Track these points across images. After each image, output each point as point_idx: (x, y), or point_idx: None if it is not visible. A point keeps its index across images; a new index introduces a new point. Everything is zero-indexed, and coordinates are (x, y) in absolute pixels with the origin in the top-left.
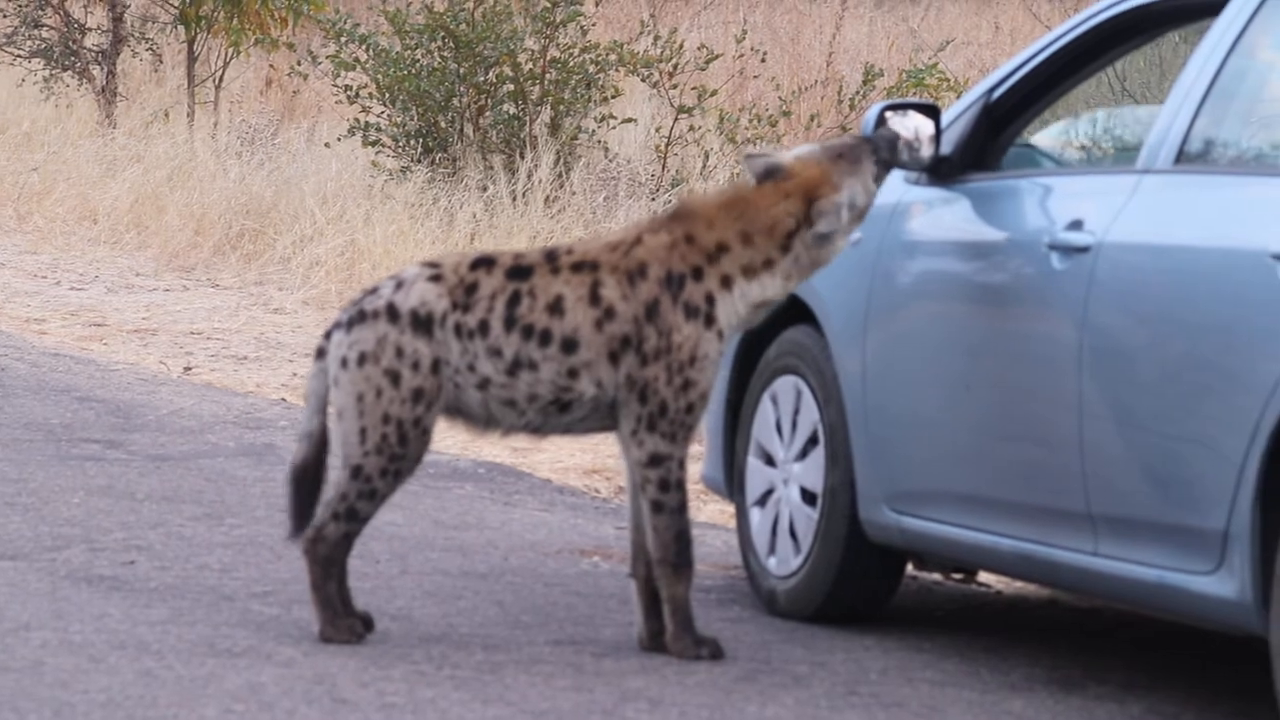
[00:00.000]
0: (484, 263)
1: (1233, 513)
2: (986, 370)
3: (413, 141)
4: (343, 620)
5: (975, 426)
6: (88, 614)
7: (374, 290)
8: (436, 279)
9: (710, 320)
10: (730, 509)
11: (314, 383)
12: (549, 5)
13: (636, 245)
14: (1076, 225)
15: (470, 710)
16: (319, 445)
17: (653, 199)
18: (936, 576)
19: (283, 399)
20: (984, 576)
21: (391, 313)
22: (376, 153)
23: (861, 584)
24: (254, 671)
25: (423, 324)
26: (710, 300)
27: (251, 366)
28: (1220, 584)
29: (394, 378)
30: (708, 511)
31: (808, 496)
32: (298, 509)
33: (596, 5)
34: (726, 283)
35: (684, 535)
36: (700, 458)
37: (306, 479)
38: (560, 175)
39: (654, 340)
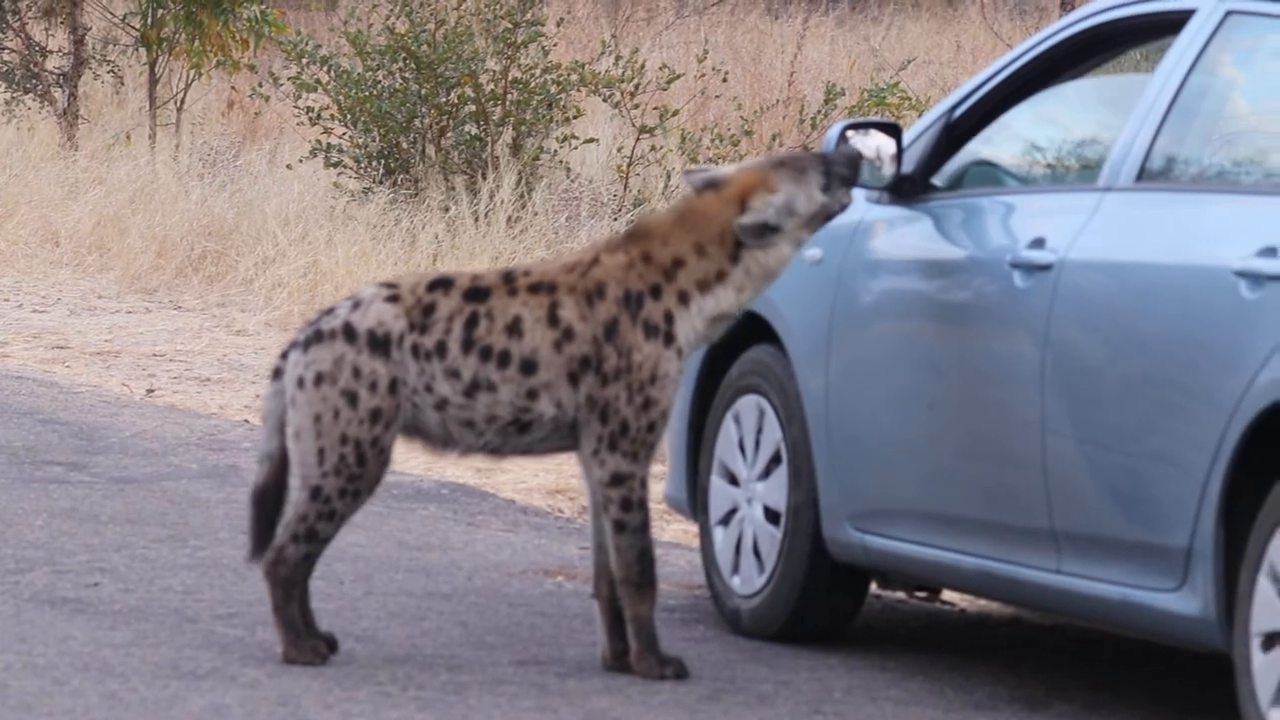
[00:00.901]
0: (441, 284)
1: (1196, 530)
2: (949, 389)
3: (375, 163)
4: (306, 642)
5: (938, 445)
6: (51, 636)
7: (331, 310)
8: (394, 299)
9: (670, 338)
10: (694, 528)
11: (271, 403)
12: (510, 26)
13: (594, 265)
14: (1039, 243)
15: None
16: (279, 467)
17: (615, 219)
18: (900, 595)
19: (246, 420)
20: (948, 595)
21: (349, 333)
22: (338, 174)
23: (825, 603)
24: (218, 693)
25: (380, 344)
26: (669, 318)
27: (214, 388)
28: (1184, 601)
29: (351, 398)
30: (671, 531)
31: (771, 515)
32: (258, 531)
33: (558, 26)
34: (684, 299)
35: (647, 554)
36: (663, 477)
37: (268, 501)
38: (522, 196)
39: (614, 360)
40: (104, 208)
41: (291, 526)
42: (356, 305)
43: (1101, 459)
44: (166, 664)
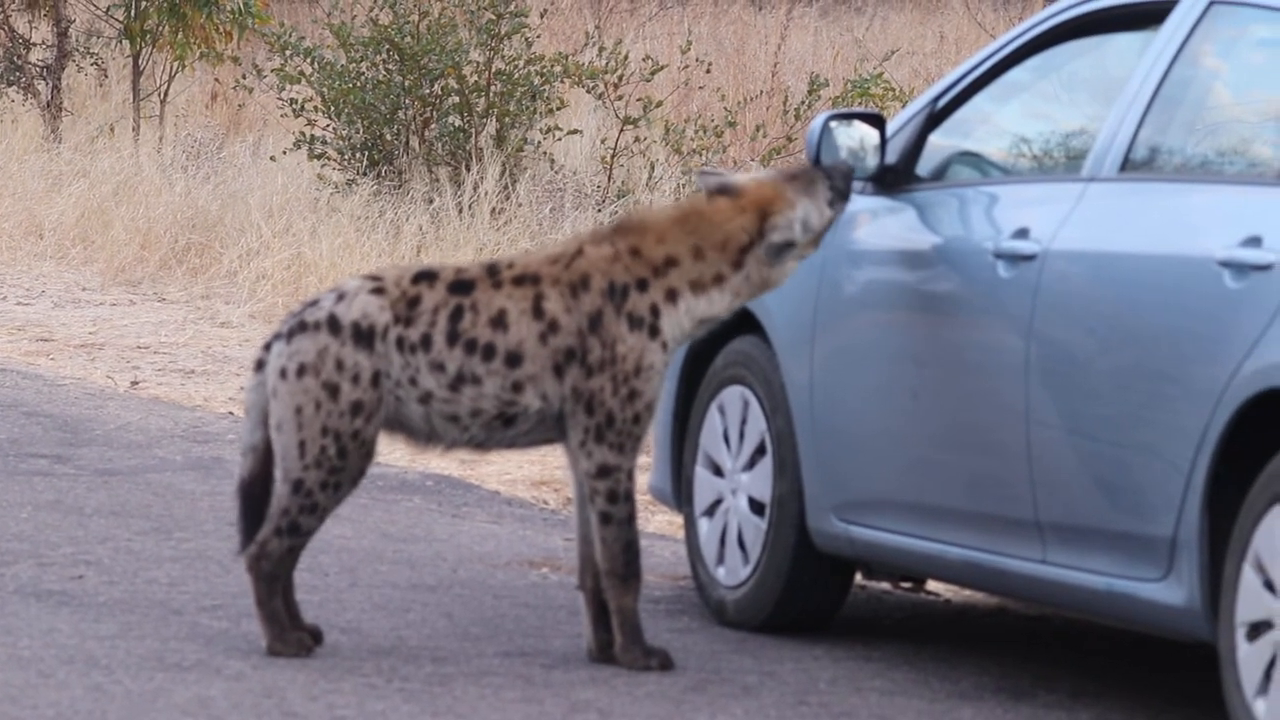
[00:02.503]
0: (426, 276)
1: (1181, 520)
2: (933, 379)
3: (358, 154)
4: (290, 634)
5: (923, 435)
6: (36, 629)
7: (314, 302)
8: (379, 291)
9: (655, 331)
10: (678, 519)
11: (254, 395)
12: (494, 17)
13: (578, 257)
14: (1022, 234)
15: None
16: (263, 459)
17: (599, 210)
18: (885, 585)
19: (230, 413)
20: (932, 585)
21: (333, 324)
22: (322, 166)
23: (810, 593)
24: (203, 685)
25: (364, 336)
26: (655, 311)
27: (199, 380)
28: (1169, 591)
29: (333, 390)
30: (656, 522)
31: (756, 506)
32: (246, 524)
33: (541, 17)
34: (672, 296)
35: (632, 546)
36: (648, 468)
37: (254, 493)
38: (506, 187)
39: (598, 351)
40: (88, 200)
41: (274, 520)
42: (341, 297)
43: (1086, 449)
44: (152, 656)
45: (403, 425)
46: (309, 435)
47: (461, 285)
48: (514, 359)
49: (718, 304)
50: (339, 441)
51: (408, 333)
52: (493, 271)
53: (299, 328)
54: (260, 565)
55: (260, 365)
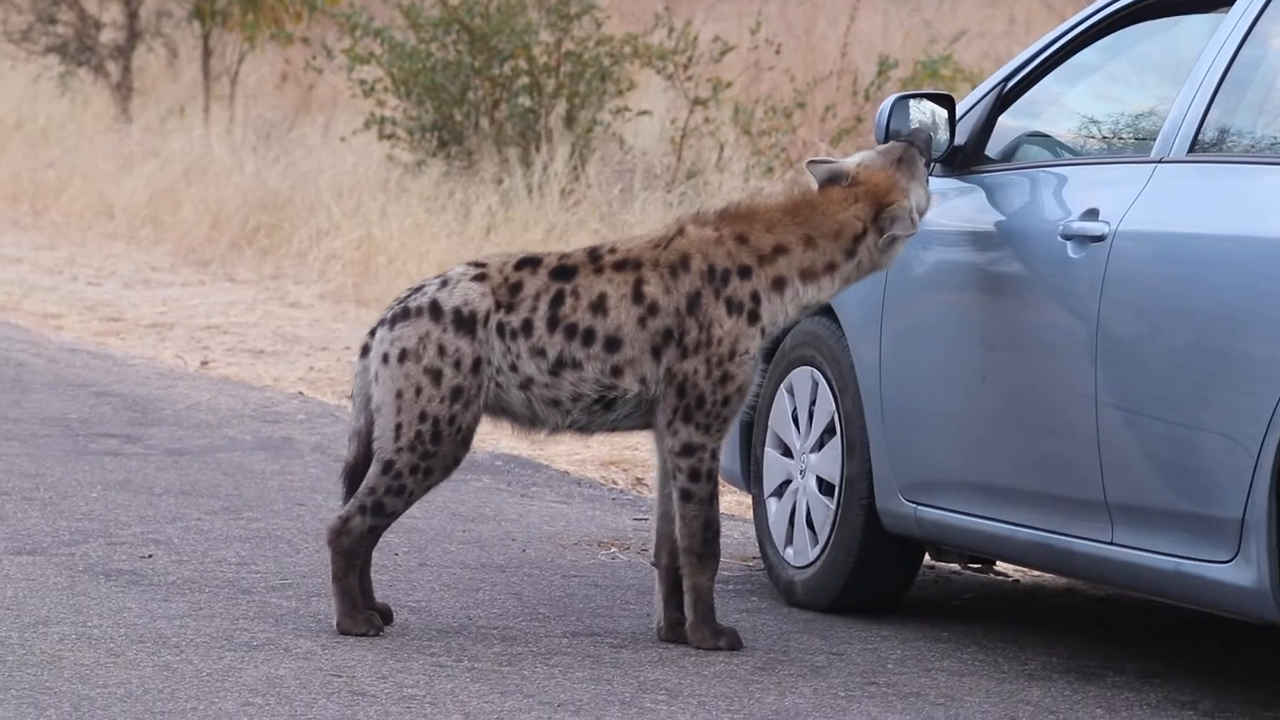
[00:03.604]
0: (529, 262)
1: (1249, 501)
2: (1002, 360)
3: (428, 135)
4: (360, 613)
5: (991, 416)
6: (106, 608)
7: (419, 288)
8: (481, 278)
9: (754, 317)
10: (747, 500)
11: (359, 380)
12: None
13: (679, 237)
14: (1091, 214)
15: (488, 702)
16: (368, 443)
17: (668, 191)
18: (954, 566)
19: (300, 393)
20: (1001, 566)
21: (435, 310)
22: (392, 146)
23: (879, 574)
24: (272, 664)
25: (465, 323)
26: (756, 298)
27: (268, 360)
28: (1237, 572)
29: (435, 375)
30: (725, 503)
31: (825, 487)
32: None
33: None
34: (779, 284)
35: (712, 525)
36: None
37: (358, 477)
38: (575, 168)
39: (694, 333)
40: (158, 181)
41: (360, 498)
42: (444, 283)
43: (1154, 430)
44: (221, 635)
45: (505, 411)
46: (406, 419)
47: (563, 271)
48: (613, 343)
49: (826, 291)
50: (435, 426)
51: (509, 319)
52: (594, 256)
53: (402, 314)
54: (340, 541)
55: (366, 351)
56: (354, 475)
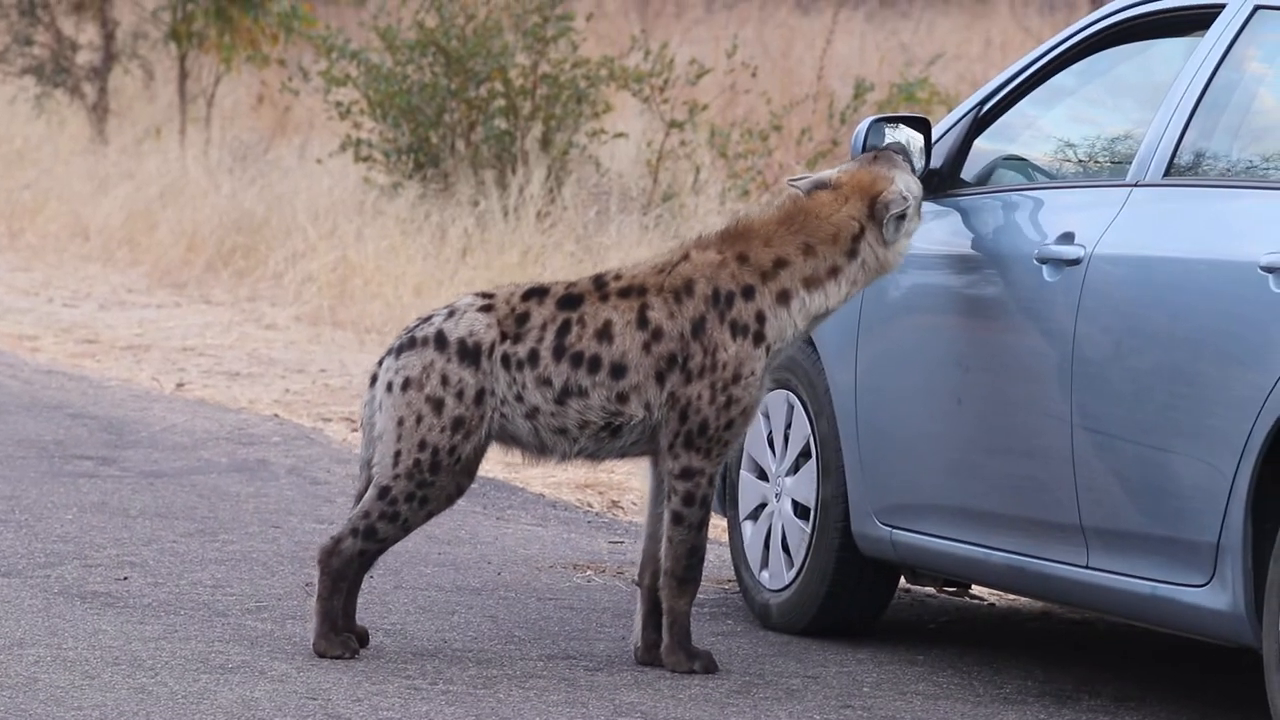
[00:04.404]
0: (536, 293)
1: (1225, 525)
2: (978, 384)
3: (404, 157)
4: (337, 636)
5: (967, 440)
6: (81, 630)
7: (427, 318)
8: (488, 309)
9: (759, 338)
10: (723, 523)
11: (367, 410)
12: (540, 21)
13: (683, 262)
14: (1067, 238)
15: None
16: None
17: (644, 214)
18: (929, 590)
19: (275, 415)
20: (977, 589)
21: (440, 340)
22: (368, 168)
23: (854, 597)
24: (248, 687)
25: (470, 354)
26: (760, 319)
27: (244, 383)
28: (1213, 596)
29: (437, 405)
30: None
31: (800, 510)
32: None
33: (587, 20)
34: (784, 298)
35: (697, 551)
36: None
37: None
38: (551, 190)
39: (699, 357)
40: (134, 202)
41: (354, 521)
42: (451, 314)
43: (1130, 454)
44: (196, 658)
45: (514, 439)
46: (406, 446)
47: (569, 300)
48: (619, 370)
49: (833, 297)
50: (434, 456)
51: (514, 349)
52: (600, 284)
53: (409, 344)
54: (330, 561)
55: (374, 380)
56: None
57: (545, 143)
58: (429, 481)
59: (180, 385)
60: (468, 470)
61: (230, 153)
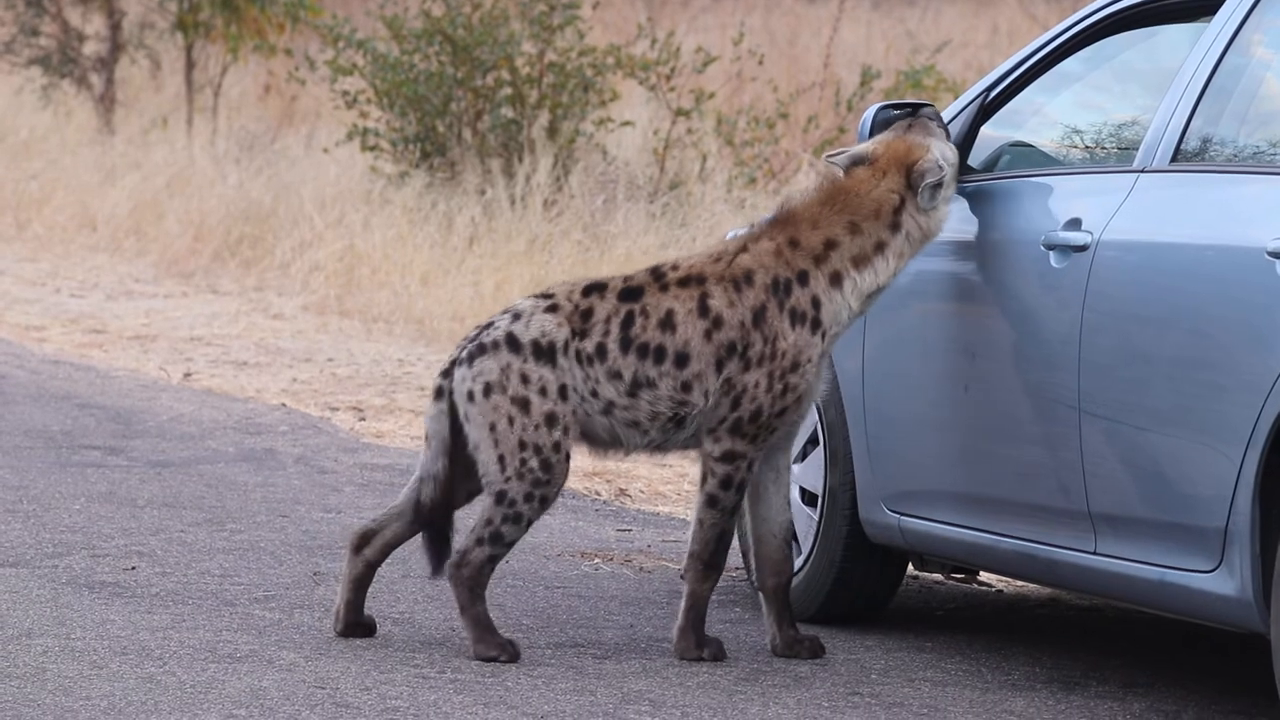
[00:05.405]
0: (596, 288)
1: (1232, 511)
2: (985, 370)
3: (411, 146)
4: (493, 636)
5: (974, 426)
6: (89, 620)
7: (489, 325)
8: (553, 309)
9: (816, 324)
10: None
11: (434, 424)
12: (546, 9)
13: (741, 253)
14: (1074, 224)
15: (472, 713)
16: (445, 487)
17: (651, 202)
18: (937, 576)
19: (283, 404)
20: (985, 576)
21: (512, 342)
22: (375, 158)
23: (862, 584)
24: (256, 676)
25: (545, 353)
26: (816, 304)
27: (251, 372)
28: (1220, 582)
29: (523, 404)
30: None
31: (808, 497)
32: (434, 550)
33: (594, 8)
34: (836, 280)
35: (726, 537)
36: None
37: (436, 520)
38: (558, 179)
39: (759, 346)
40: (141, 192)
41: (477, 530)
42: (517, 316)
43: (1138, 440)
44: (204, 647)
45: (587, 435)
46: (506, 449)
47: (630, 292)
48: (682, 359)
49: (883, 273)
50: (540, 454)
51: (584, 345)
52: (658, 275)
53: (478, 350)
54: (460, 573)
55: (440, 393)
56: (429, 518)
57: (552, 131)
58: (543, 480)
59: (187, 375)
60: (569, 462)
61: (237, 142)
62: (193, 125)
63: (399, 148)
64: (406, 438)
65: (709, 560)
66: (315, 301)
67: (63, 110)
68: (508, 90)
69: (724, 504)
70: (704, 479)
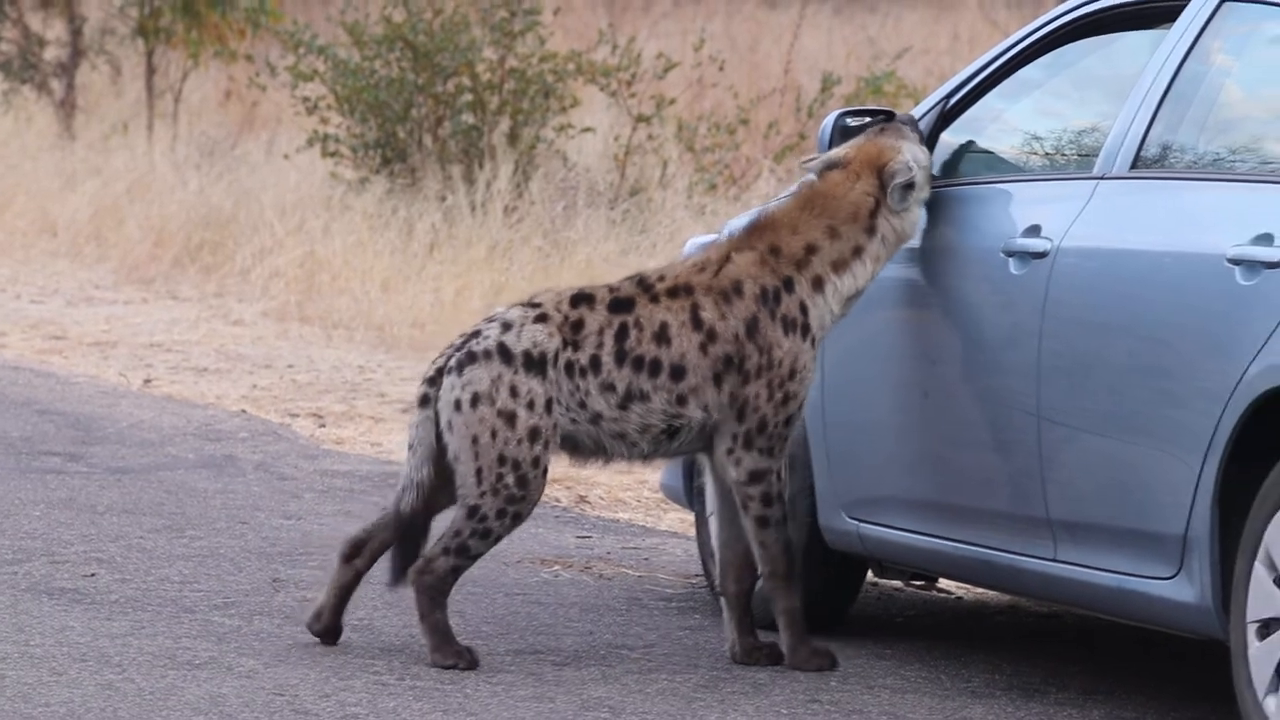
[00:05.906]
0: (584, 299)
1: (1191, 518)
2: (944, 376)
3: (371, 152)
4: (450, 645)
5: (933, 433)
6: (49, 627)
7: (476, 333)
8: (543, 319)
9: (806, 330)
10: (690, 517)
11: (419, 431)
12: (507, 15)
13: (726, 264)
14: (1033, 231)
15: None
16: (427, 496)
17: (611, 208)
18: (897, 583)
19: (243, 410)
20: (944, 583)
21: (504, 353)
22: (335, 164)
23: (821, 591)
24: (215, 683)
25: (536, 364)
26: (804, 309)
27: (211, 378)
28: (1180, 589)
29: (509, 418)
30: (668, 520)
31: None
32: (400, 557)
33: (554, 14)
34: (818, 284)
35: (790, 545)
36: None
37: (414, 529)
38: (519, 185)
39: (755, 358)
40: (101, 198)
41: (445, 540)
42: (507, 326)
43: (1097, 447)
44: (164, 654)
45: (572, 446)
46: (485, 463)
47: (620, 303)
48: (678, 372)
49: (861, 276)
50: (518, 470)
51: (576, 356)
52: (646, 286)
53: (468, 359)
54: (423, 579)
55: (425, 400)
56: (407, 525)
57: (513, 137)
58: (518, 496)
59: (147, 381)
60: (546, 472)
61: (198, 148)
62: (153, 131)
63: (359, 154)
64: (366, 444)
65: (785, 574)
66: (275, 308)
67: (23, 116)
68: (468, 96)
69: (775, 518)
70: (744, 506)
